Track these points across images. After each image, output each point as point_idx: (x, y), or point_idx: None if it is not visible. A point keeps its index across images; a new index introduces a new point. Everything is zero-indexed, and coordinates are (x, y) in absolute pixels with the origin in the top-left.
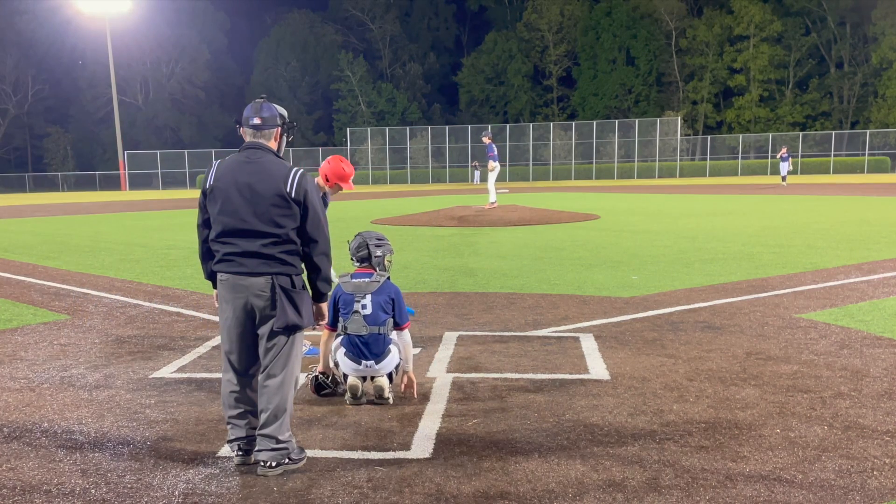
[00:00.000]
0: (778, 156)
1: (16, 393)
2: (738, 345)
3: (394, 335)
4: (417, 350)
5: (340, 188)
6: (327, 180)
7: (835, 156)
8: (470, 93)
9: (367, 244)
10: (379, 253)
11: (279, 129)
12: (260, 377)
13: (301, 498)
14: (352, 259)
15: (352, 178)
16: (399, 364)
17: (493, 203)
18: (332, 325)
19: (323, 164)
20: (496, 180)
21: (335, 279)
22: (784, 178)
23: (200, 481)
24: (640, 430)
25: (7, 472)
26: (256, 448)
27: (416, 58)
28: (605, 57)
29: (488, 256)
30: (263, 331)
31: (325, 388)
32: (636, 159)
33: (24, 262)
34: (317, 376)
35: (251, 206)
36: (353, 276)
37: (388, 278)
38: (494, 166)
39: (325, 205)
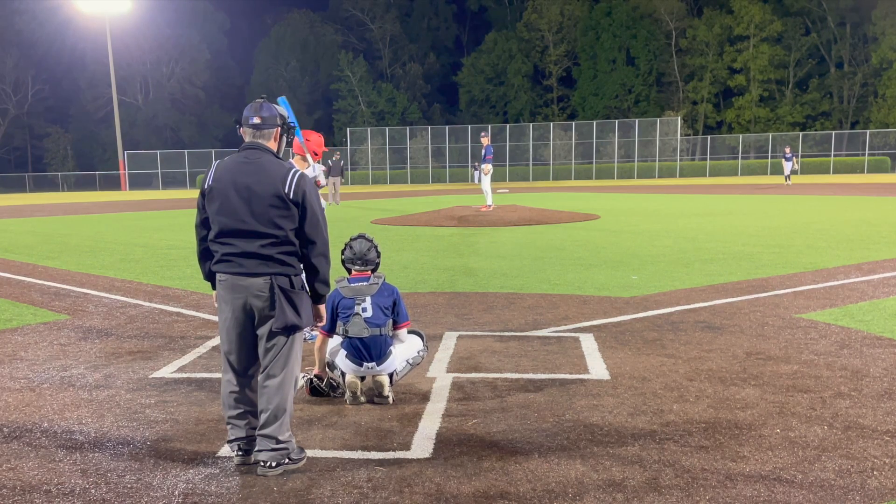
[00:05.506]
0: (789, 158)
1: (16, 393)
2: (738, 345)
3: (398, 345)
4: None
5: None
6: (315, 154)
7: (835, 156)
8: (470, 93)
9: (375, 246)
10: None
11: (279, 129)
12: (259, 377)
13: (301, 498)
14: (351, 263)
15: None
16: (398, 369)
17: (489, 206)
18: (330, 331)
19: (305, 144)
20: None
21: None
22: (788, 178)
23: (200, 481)
24: (640, 430)
25: (7, 472)
26: (256, 448)
27: (416, 58)
28: (605, 57)
29: (488, 256)
30: (262, 331)
31: (321, 392)
32: (636, 159)
33: (24, 262)
34: (311, 379)
35: (249, 207)
36: (350, 280)
37: (385, 278)
38: (489, 169)
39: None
